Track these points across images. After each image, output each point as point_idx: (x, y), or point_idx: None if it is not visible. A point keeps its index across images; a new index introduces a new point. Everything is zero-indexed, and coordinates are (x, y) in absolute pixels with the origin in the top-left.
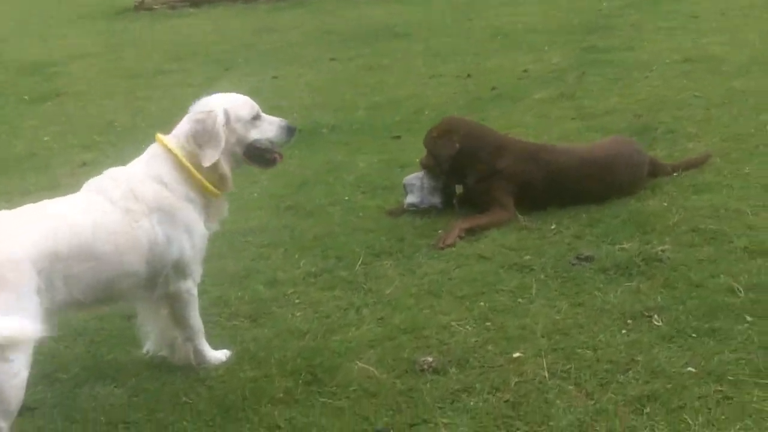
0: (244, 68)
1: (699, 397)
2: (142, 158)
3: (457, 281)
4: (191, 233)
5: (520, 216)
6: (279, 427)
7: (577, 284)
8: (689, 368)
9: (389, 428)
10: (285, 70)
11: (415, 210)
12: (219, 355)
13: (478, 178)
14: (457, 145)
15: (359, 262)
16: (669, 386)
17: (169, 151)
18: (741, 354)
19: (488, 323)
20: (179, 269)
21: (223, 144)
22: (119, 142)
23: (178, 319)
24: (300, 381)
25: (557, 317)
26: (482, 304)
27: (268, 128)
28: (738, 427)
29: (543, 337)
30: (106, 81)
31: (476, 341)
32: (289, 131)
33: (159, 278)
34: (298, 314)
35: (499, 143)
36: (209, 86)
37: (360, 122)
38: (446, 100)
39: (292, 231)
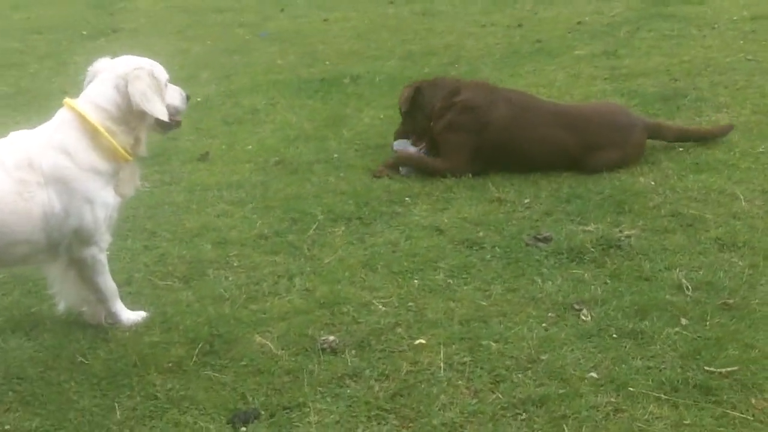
0: (299, 9)
1: (590, 407)
2: (49, 124)
3: (400, 255)
4: (93, 203)
5: (492, 187)
6: (156, 397)
7: (520, 267)
8: (592, 373)
9: (260, 409)
10: (338, 13)
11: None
12: (133, 317)
13: (437, 115)
14: (416, 86)
15: (314, 227)
16: (562, 391)
17: (80, 116)
18: (655, 362)
19: (411, 303)
20: (81, 238)
21: (164, 95)
22: None
23: (88, 283)
24: (196, 351)
25: (484, 303)
26: (415, 281)
27: (173, 94)
28: None
29: (460, 323)
30: (164, 17)
31: (389, 322)
32: (186, 99)
33: (60, 246)
34: (230, 278)
35: (459, 84)
36: (259, 27)
37: (386, 73)
38: (484, 52)
39: (266, 189)
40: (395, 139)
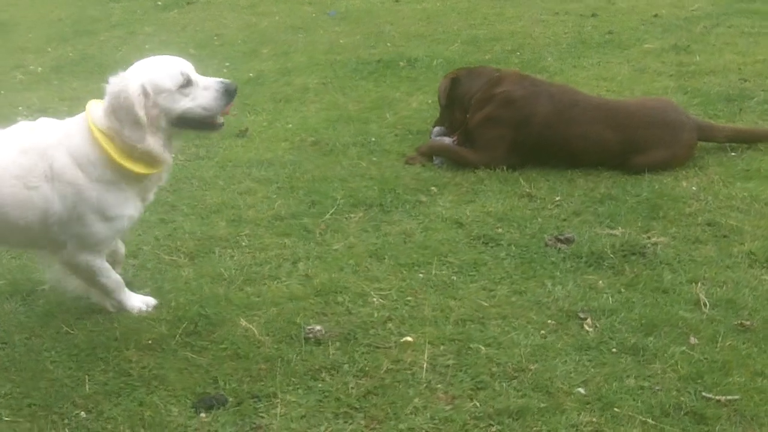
0: None
1: (569, 425)
2: (73, 122)
3: (411, 246)
4: (105, 216)
5: (524, 182)
6: (129, 374)
7: (533, 269)
8: (580, 389)
9: (228, 396)
10: None
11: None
12: (138, 305)
13: (476, 107)
14: (453, 77)
15: (331, 211)
16: (543, 405)
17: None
18: (650, 382)
19: (409, 298)
20: (83, 243)
21: (144, 122)
22: (207, 58)
23: (89, 284)
24: (180, 330)
25: (485, 303)
26: (420, 275)
27: (202, 95)
28: None
29: (455, 323)
30: None
31: (381, 316)
32: (227, 94)
33: (58, 243)
34: (235, 258)
35: (499, 75)
36: (329, 6)
37: (445, 57)
38: (549, 41)
39: (295, 169)
40: (434, 126)
